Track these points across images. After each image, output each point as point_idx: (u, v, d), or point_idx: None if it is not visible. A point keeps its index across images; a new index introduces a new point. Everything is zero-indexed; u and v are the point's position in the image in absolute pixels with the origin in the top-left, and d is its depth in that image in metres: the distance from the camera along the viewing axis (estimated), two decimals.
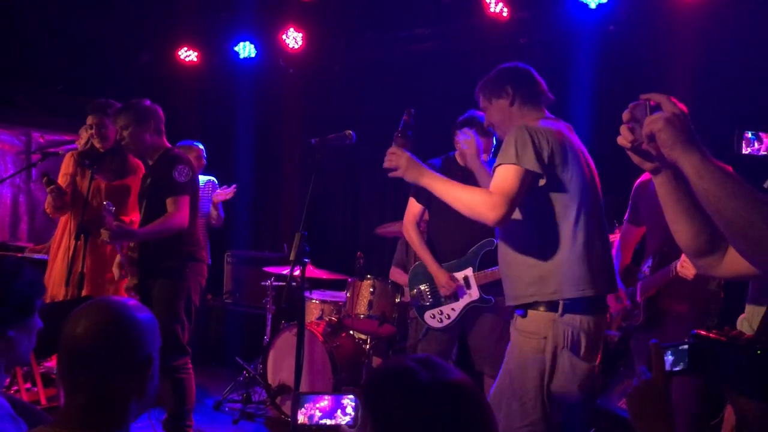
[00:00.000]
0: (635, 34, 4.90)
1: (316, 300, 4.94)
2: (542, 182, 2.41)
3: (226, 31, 6.66)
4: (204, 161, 5.35)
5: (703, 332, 1.31)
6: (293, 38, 6.29)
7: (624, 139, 1.52)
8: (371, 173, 6.42)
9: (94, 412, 1.38)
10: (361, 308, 4.38)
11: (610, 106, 4.67)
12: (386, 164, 2.57)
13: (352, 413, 2.38)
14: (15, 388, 4.46)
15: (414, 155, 2.58)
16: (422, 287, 3.72)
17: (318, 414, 2.47)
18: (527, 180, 2.37)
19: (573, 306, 2.39)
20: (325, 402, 2.49)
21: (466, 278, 3.59)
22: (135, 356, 1.42)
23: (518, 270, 2.50)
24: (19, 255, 4.85)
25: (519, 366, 2.47)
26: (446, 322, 3.64)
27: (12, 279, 1.73)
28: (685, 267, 2.82)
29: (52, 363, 4.82)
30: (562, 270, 2.40)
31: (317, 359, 4.39)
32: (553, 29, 5.23)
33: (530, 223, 2.46)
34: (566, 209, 2.43)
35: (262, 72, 6.76)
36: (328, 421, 2.47)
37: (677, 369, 1.33)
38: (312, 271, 4.86)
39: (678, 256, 2.93)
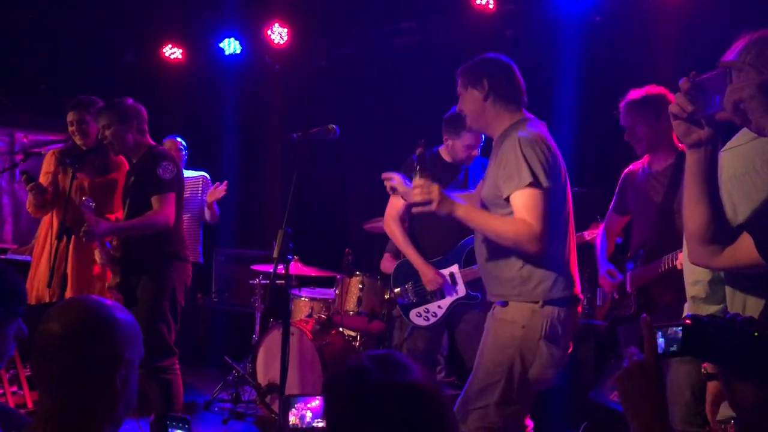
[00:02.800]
0: (622, 24, 4.87)
1: (305, 298, 4.90)
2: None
3: (211, 28, 6.60)
4: (182, 154, 5.28)
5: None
6: (278, 34, 6.24)
7: (681, 108, 1.49)
8: (358, 169, 6.39)
9: (68, 413, 1.35)
10: (351, 305, 4.35)
11: (597, 97, 4.69)
12: (417, 198, 2.48)
13: None
14: (1, 391, 4.41)
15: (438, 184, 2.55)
16: (407, 285, 3.67)
17: (309, 415, 2.45)
18: (547, 199, 2.42)
19: (552, 300, 2.49)
20: (315, 402, 2.47)
21: (452, 275, 3.55)
22: (107, 355, 1.39)
23: (504, 269, 2.53)
24: (2, 257, 4.78)
25: (490, 350, 2.55)
26: (432, 320, 3.60)
27: None
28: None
29: None
30: (548, 271, 2.48)
31: (307, 357, 4.36)
32: (540, 21, 5.20)
33: None
34: (552, 212, 2.46)
35: (248, 68, 6.70)
36: (319, 422, 2.45)
37: (671, 350, 1.29)
38: (300, 269, 4.82)
39: (667, 249, 2.93)
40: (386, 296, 4.37)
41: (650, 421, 1.24)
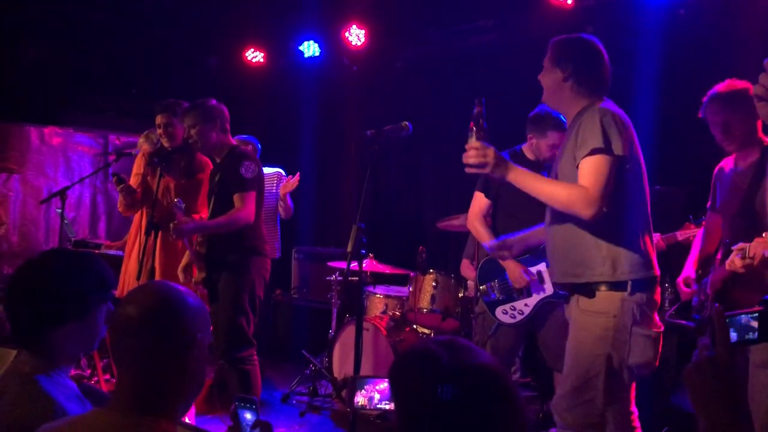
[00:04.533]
0: (707, 17, 4.68)
1: (379, 294, 4.96)
2: (627, 167, 2.43)
3: (291, 31, 6.77)
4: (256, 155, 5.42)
5: None
6: (356, 35, 6.33)
7: (766, 89, 1.47)
8: (434, 167, 6.39)
9: (144, 392, 1.40)
10: (424, 302, 4.37)
11: (681, 93, 4.53)
12: (472, 160, 2.44)
13: None
14: (95, 379, 4.67)
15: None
16: (493, 282, 3.64)
17: (377, 397, 2.46)
18: (617, 167, 2.38)
19: (638, 285, 2.45)
20: (384, 385, 2.47)
21: (539, 273, 3.50)
22: (180, 336, 1.44)
23: (585, 251, 2.48)
24: (96, 251, 5.06)
25: (585, 343, 2.50)
26: (519, 318, 3.55)
27: (73, 273, 1.79)
28: (734, 261, 2.71)
29: None
30: (631, 251, 2.44)
31: (381, 353, 4.41)
32: (620, 16, 5.07)
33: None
34: (634, 193, 2.46)
35: (326, 70, 6.84)
36: (387, 405, 2.46)
37: (747, 338, 1.23)
38: (375, 266, 4.88)
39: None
40: (460, 294, 4.37)
41: (722, 420, 1.17)
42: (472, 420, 1.11)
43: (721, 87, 3.00)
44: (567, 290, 2.64)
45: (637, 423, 2.70)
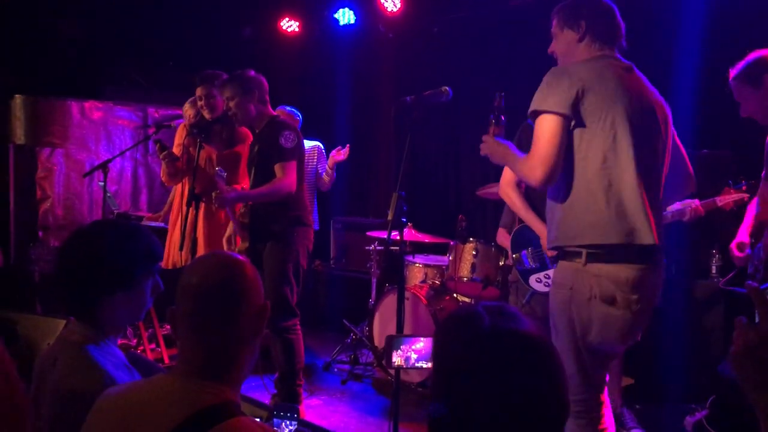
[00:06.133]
0: None
1: (419, 264, 4.95)
2: (572, 123, 2.28)
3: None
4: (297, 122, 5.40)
5: None
6: (391, 1, 6.25)
7: None
8: (472, 135, 6.29)
9: (204, 360, 1.42)
10: (465, 271, 4.34)
11: (723, 55, 4.37)
12: (481, 151, 2.61)
13: None
14: (141, 348, 4.78)
15: (505, 139, 2.57)
16: (527, 250, 3.60)
17: (414, 356, 2.45)
18: (561, 125, 2.25)
19: (597, 255, 2.27)
20: (420, 344, 2.45)
21: None
22: (240, 305, 1.46)
23: (550, 214, 2.44)
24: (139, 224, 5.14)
25: (552, 318, 2.43)
26: None
27: (123, 244, 1.81)
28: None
29: None
30: (587, 216, 2.28)
31: (422, 322, 4.41)
32: None
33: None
34: (590, 148, 2.28)
35: (362, 37, 6.77)
36: (424, 364, 2.45)
37: None
38: (414, 236, 4.86)
39: None
40: (501, 263, 4.33)
41: None
42: (505, 386, 1.09)
43: (741, 65, 2.96)
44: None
45: (606, 407, 2.46)
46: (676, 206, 3.59)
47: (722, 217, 3.64)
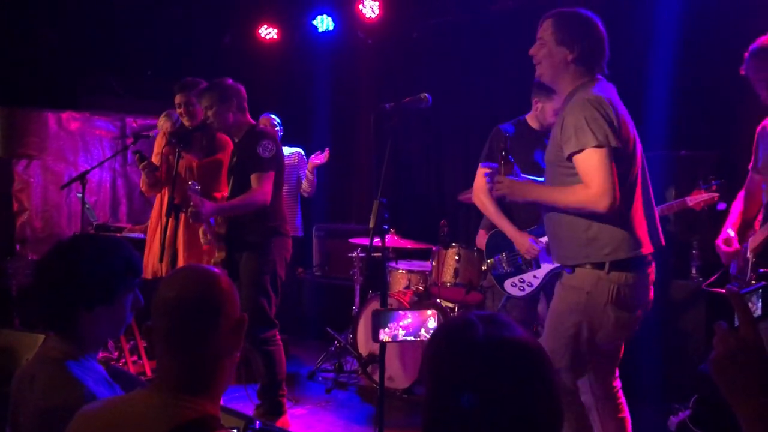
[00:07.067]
0: None
1: (402, 270, 4.94)
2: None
3: (304, 6, 6.70)
4: (278, 131, 5.36)
5: None
6: (370, 8, 6.25)
7: None
8: (454, 140, 6.32)
9: (182, 374, 1.42)
10: (448, 276, 4.35)
11: (702, 56, 4.42)
12: (496, 193, 2.72)
13: (435, 325, 2.46)
14: (122, 361, 4.73)
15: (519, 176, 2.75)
16: (501, 255, 3.61)
17: (402, 332, 2.46)
18: (612, 157, 2.39)
19: (618, 264, 2.48)
20: (408, 320, 2.47)
21: (548, 243, 3.47)
22: (217, 319, 1.45)
23: (571, 232, 2.54)
24: (118, 235, 5.09)
25: (557, 315, 2.60)
26: (528, 290, 3.52)
27: (102, 258, 1.79)
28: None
29: None
30: (614, 232, 2.47)
31: None
32: None
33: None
34: (622, 173, 2.44)
35: (341, 44, 6.77)
36: (411, 338, 2.46)
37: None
38: (397, 242, 4.86)
39: None
40: (483, 267, 4.33)
41: (764, 402, 1.09)
42: (500, 394, 1.08)
43: (764, 40, 2.90)
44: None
45: (621, 397, 2.79)
46: None
47: (701, 216, 3.67)
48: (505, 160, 2.74)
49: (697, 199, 3.49)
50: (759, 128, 3.12)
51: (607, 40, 2.59)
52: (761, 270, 1.12)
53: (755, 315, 1.15)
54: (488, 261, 3.64)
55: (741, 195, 3.25)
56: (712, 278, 3.45)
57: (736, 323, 1.14)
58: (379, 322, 2.42)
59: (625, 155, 2.47)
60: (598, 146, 2.38)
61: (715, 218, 3.47)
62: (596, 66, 2.57)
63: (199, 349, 1.43)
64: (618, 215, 2.44)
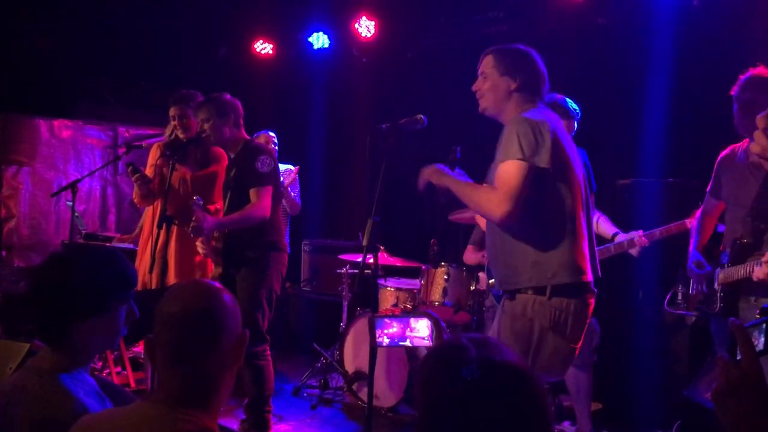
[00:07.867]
0: (721, 9, 4.63)
1: (391, 288, 4.95)
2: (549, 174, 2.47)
3: (300, 23, 6.74)
4: (274, 148, 5.38)
5: None
6: (366, 27, 6.31)
7: (762, 147, 1.43)
8: (445, 158, 6.34)
9: (182, 387, 1.42)
10: (436, 295, 4.37)
11: (694, 87, 4.49)
12: (422, 178, 2.81)
13: (428, 332, 2.58)
14: (107, 371, 4.69)
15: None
16: None
17: (387, 341, 2.55)
18: (531, 175, 2.41)
19: (561, 290, 2.47)
20: (394, 329, 2.56)
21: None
22: (219, 334, 1.47)
23: (516, 256, 2.54)
24: (107, 245, 5.06)
25: (506, 339, 2.55)
26: None
27: (97, 270, 1.79)
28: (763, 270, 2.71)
29: (140, 348, 5.03)
30: (558, 257, 2.48)
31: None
32: (633, 7, 5.02)
33: (529, 213, 2.47)
34: (561, 199, 2.49)
35: (336, 62, 6.81)
36: (407, 342, 2.54)
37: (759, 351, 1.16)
38: (386, 259, 4.88)
39: (757, 251, 2.80)
40: (472, 287, 4.37)
41: None
42: (493, 415, 1.10)
43: (759, 71, 2.99)
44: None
45: None
46: (621, 238, 3.72)
47: (685, 241, 3.74)
48: (452, 165, 2.83)
49: (670, 228, 3.65)
50: (723, 155, 3.21)
51: (545, 71, 2.68)
52: (766, 305, 1.15)
53: (758, 349, 1.17)
54: (489, 281, 3.67)
55: (697, 217, 3.35)
56: (667, 297, 3.52)
57: (739, 356, 1.15)
58: (373, 325, 2.51)
59: (559, 179, 2.49)
60: (521, 159, 2.40)
61: (713, 238, 3.52)
62: (537, 94, 2.64)
63: (200, 363, 1.43)
64: (557, 242, 2.47)
